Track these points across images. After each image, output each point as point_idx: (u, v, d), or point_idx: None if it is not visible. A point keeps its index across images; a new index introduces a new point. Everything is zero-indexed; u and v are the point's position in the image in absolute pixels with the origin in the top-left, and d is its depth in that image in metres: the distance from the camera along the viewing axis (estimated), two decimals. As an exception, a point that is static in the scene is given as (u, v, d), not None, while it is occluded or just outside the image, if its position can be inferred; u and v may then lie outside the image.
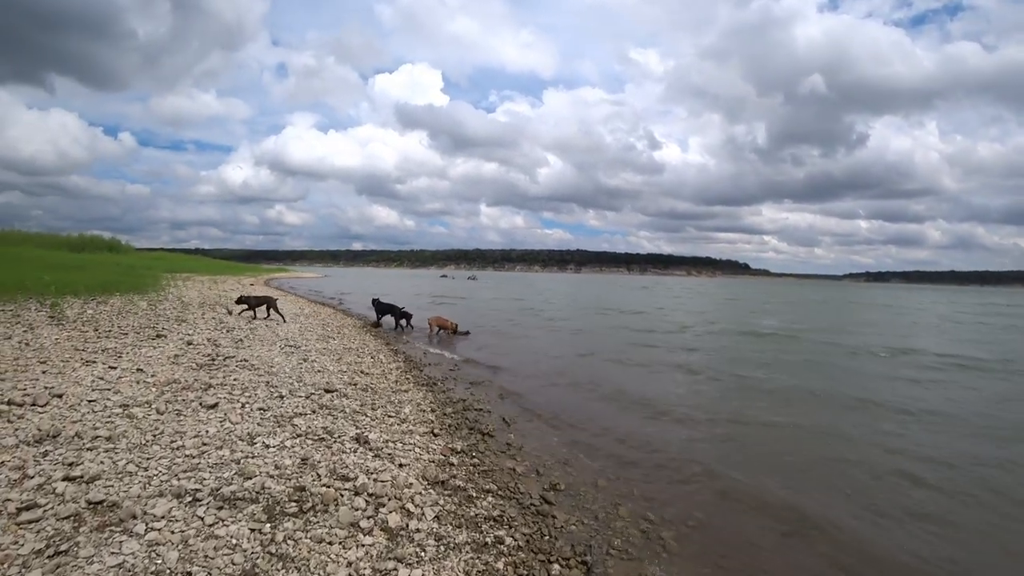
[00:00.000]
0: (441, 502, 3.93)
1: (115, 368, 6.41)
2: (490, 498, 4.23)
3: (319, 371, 7.65)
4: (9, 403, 4.86)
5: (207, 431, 4.61)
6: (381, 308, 16.58)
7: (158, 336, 8.60)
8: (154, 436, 4.39)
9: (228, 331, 10.03)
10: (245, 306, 12.92)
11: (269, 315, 13.03)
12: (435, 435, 5.72)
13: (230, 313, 12.73)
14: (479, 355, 11.92)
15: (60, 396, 5.19)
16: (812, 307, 38.41)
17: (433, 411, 6.70)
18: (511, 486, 4.58)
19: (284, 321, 12.83)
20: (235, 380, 6.42)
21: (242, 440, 4.51)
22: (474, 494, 4.24)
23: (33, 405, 4.89)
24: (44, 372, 5.97)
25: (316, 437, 4.82)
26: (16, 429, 4.32)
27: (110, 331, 8.58)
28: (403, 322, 16.01)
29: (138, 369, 6.45)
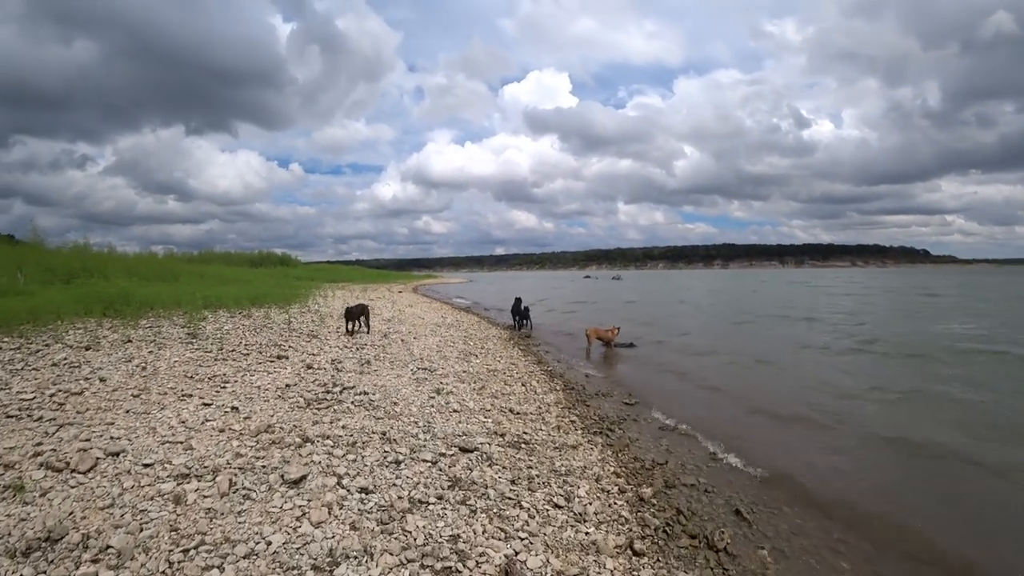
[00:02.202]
0: None
1: (209, 405, 5.21)
2: None
3: (455, 410, 5.82)
4: (46, 467, 3.64)
5: (269, 543, 2.86)
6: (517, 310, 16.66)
7: (279, 357, 7.58)
8: (185, 552, 2.74)
9: (358, 349, 8.84)
10: (352, 322, 11.13)
11: (361, 326, 11.37)
12: (636, 553, 3.41)
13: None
14: (653, 379, 9.38)
15: (117, 454, 3.93)
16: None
17: (622, 491, 4.39)
18: None
19: (367, 332, 11.18)
20: (343, 428, 4.80)
21: (316, 569, 2.66)
22: None
23: (74, 471, 3.63)
24: (128, 411, 4.93)
25: (437, 565, 2.81)
26: (21, 521, 2.97)
27: (234, 351, 7.77)
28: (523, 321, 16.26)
29: (233, 407, 5.16)
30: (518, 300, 16.76)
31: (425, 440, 4.72)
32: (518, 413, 6.14)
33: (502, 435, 5.21)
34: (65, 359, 6.64)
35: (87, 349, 7.24)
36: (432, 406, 5.83)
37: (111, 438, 4.24)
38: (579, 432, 5.86)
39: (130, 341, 7.85)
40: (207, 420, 4.81)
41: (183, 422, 4.72)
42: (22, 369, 6.13)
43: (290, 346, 8.47)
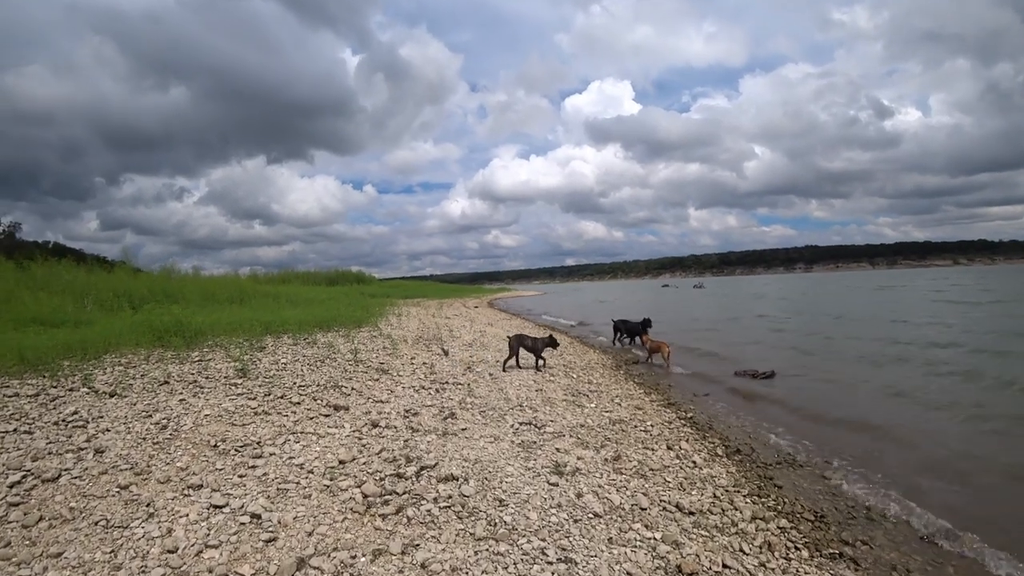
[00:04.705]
0: None
1: (221, 508, 3.39)
2: None
3: (596, 513, 3.66)
4: None
5: None
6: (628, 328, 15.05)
7: (336, 408, 5.78)
8: None
9: (437, 391, 6.91)
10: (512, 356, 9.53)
11: (539, 360, 9.70)
12: None
13: (446, 354, 9.94)
14: (828, 429, 6.77)
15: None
16: None
17: None
18: None
19: (543, 366, 9.62)
20: (422, 571, 2.77)
21: None
22: None
23: None
24: (98, 522, 3.23)
25: None
26: None
27: (283, 396, 6.09)
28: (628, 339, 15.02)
29: (253, 515, 3.29)
30: (647, 320, 14.45)
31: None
32: (691, 512, 3.87)
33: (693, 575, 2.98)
34: (75, 413, 5.19)
35: (111, 396, 5.82)
36: (558, 504, 3.68)
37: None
38: (806, 554, 3.49)
39: (167, 382, 6.40)
40: (207, 546, 2.96)
41: (169, 552, 2.89)
42: (14, 431, 4.68)
43: (353, 388, 6.67)
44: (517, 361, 9.50)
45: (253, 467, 4.08)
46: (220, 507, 3.41)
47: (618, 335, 15.19)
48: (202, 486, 3.70)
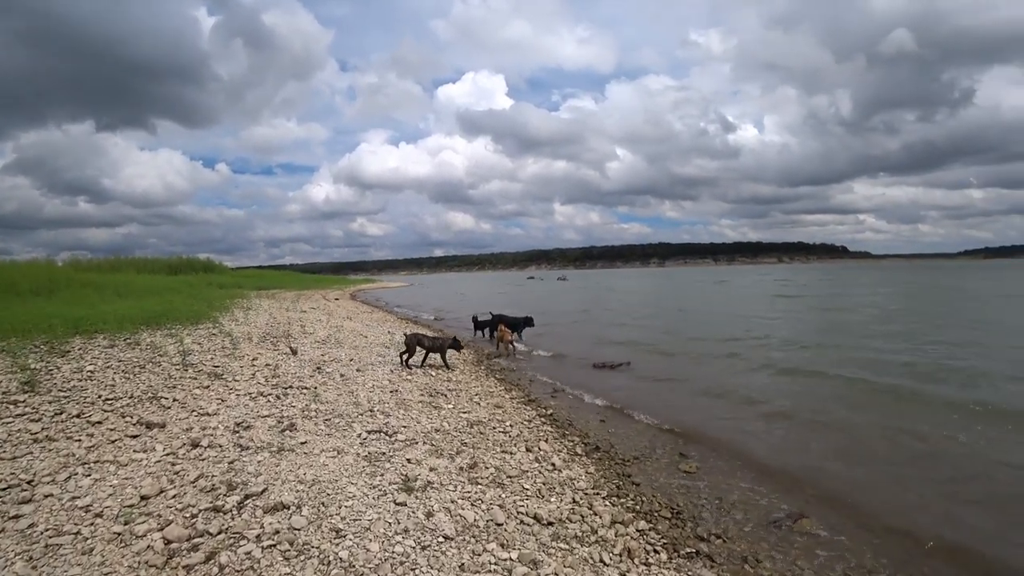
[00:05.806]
0: None
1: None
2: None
3: (447, 536, 3.38)
4: None
5: None
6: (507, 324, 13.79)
7: (149, 426, 4.82)
8: None
9: (278, 398, 6.16)
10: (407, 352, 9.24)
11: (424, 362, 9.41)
12: None
13: (294, 353, 9.01)
14: (680, 417, 7.24)
15: None
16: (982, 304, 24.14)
17: None
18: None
19: (448, 368, 9.40)
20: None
21: None
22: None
23: None
24: None
25: None
26: None
27: (80, 415, 4.97)
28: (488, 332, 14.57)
29: (0, 588, 2.51)
30: (528, 318, 14.04)
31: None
32: (550, 523, 3.76)
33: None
34: None
35: None
36: (405, 529, 3.35)
37: None
38: (665, 557, 3.53)
39: (-89, 405, 4.87)
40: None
41: None
42: None
43: (175, 399, 5.67)
44: (412, 359, 9.21)
45: (16, 517, 3.18)
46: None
47: (488, 331, 14.55)
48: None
